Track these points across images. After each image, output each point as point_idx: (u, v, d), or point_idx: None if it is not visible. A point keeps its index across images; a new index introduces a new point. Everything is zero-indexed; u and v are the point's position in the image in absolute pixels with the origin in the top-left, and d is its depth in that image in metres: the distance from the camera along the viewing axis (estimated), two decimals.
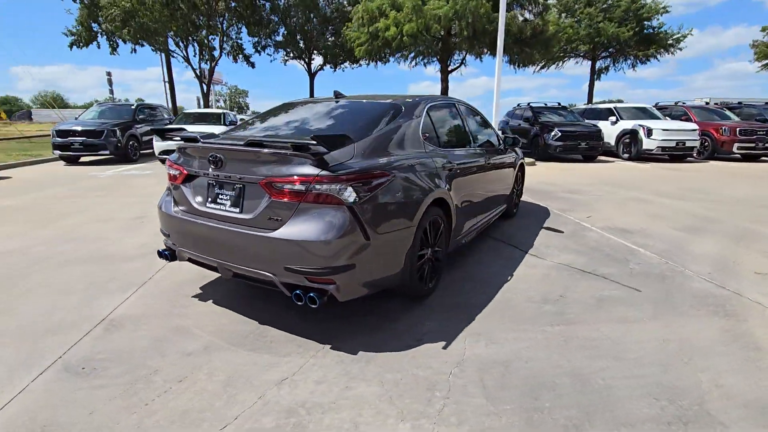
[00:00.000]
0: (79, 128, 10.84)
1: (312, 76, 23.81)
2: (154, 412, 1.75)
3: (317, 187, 2.06)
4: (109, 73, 22.84)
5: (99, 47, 17.51)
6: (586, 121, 13.34)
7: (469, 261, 3.65)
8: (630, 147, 12.36)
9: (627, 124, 12.51)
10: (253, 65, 21.89)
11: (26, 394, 1.86)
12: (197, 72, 19.87)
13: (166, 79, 20.87)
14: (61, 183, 7.77)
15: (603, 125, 13.17)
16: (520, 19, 13.29)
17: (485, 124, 4.38)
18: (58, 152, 10.81)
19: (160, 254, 2.70)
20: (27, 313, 2.61)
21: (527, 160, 11.16)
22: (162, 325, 2.47)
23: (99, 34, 16.98)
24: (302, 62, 23.32)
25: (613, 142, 12.93)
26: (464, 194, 3.32)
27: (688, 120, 13.32)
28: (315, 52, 22.26)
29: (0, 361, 2.10)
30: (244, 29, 19.50)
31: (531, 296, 2.96)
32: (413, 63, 15.89)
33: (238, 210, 2.28)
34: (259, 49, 21.38)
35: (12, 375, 1.99)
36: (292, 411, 1.77)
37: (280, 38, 21.31)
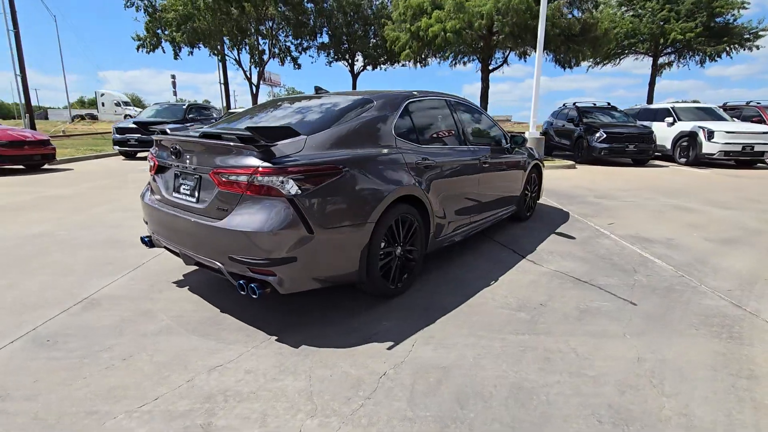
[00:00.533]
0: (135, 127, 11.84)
1: (355, 76, 24.25)
2: (87, 386, 1.86)
3: (259, 178, 2.08)
4: (173, 76, 24.77)
5: (164, 51, 19.06)
6: (639, 122, 12.39)
7: (456, 263, 3.51)
8: (688, 151, 11.29)
9: (685, 126, 11.43)
10: (299, 66, 22.71)
11: None
12: (247, 74, 20.97)
13: (221, 80, 22.28)
14: (112, 176, 8.51)
15: (658, 127, 12.17)
16: (568, 14, 12.57)
17: (486, 122, 4.20)
18: (117, 148, 11.86)
19: (142, 240, 2.87)
20: (26, 288, 2.88)
21: (566, 162, 10.63)
22: (132, 307, 2.62)
23: (163, 40, 18.44)
24: (346, 63, 23.83)
25: (669, 146, 11.89)
26: (449, 193, 3.20)
27: (762, 122, 11.93)
28: (358, 53, 22.63)
29: None
30: (287, 32, 20.23)
31: (508, 303, 2.79)
32: (453, 63, 15.62)
33: (194, 200, 2.36)
34: (301, 51, 22.17)
35: None
36: (211, 397, 1.80)
37: (323, 40, 21.97)
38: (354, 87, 24.78)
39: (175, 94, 25.42)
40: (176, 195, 2.49)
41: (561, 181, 8.34)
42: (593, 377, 2.00)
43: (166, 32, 17.24)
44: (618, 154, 10.89)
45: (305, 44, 21.86)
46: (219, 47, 18.33)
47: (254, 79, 21.14)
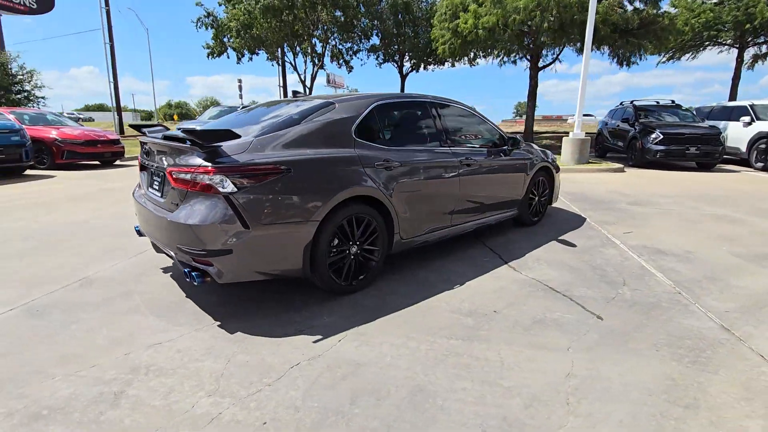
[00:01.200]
0: (197, 127, 12.94)
1: (403, 78, 24.36)
2: (48, 351, 2.17)
3: (200, 177, 2.27)
4: (239, 80, 26.56)
5: (228, 57, 20.66)
6: (709, 122, 11.15)
7: (431, 265, 3.48)
8: (766, 154, 9.96)
9: (764, 126, 10.09)
10: (351, 69, 23.35)
11: None
12: (301, 77, 21.99)
13: (280, 83, 23.56)
14: None
15: (734, 127, 10.89)
16: (624, 8, 11.53)
17: (478, 124, 4.11)
18: None
19: (135, 230, 3.23)
20: (43, 266, 3.37)
21: (613, 165, 9.86)
22: (118, 288, 2.96)
23: (229, 47, 19.98)
24: (395, 64, 23.98)
25: (744, 148, 10.58)
26: (420, 194, 3.20)
27: None
28: (407, 54, 22.64)
29: None
30: (340, 35, 20.81)
31: (461, 308, 2.74)
32: (500, 60, 15.01)
33: (160, 195, 2.63)
34: (351, 54, 22.68)
35: None
36: (136, 370, 2.02)
37: (374, 42, 22.28)
38: (402, 89, 24.94)
39: (240, 97, 27.28)
40: (150, 190, 2.79)
41: (597, 185, 7.79)
42: (507, 388, 1.93)
43: (231, 40, 18.68)
44: (677, 157, 9.89)
45: (354, 47, 22.42)
46: (276, 52, 19.42)
47: (308, 82, 22.10)
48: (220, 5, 18.62)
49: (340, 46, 22.08)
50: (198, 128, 2.41)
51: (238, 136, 2.39)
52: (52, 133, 9.19)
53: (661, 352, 2.26)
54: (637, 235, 4.46)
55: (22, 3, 19.88)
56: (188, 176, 2.31)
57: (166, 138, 2.54)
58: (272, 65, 21.45)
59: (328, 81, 40.54)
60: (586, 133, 10.55)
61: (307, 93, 23.04)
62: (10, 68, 14.18)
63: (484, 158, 3.84)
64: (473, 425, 1.69)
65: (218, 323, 2.47)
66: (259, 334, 2.36)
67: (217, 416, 1.72)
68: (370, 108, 3.04)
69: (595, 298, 2.90)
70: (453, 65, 16.71)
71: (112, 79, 24.15)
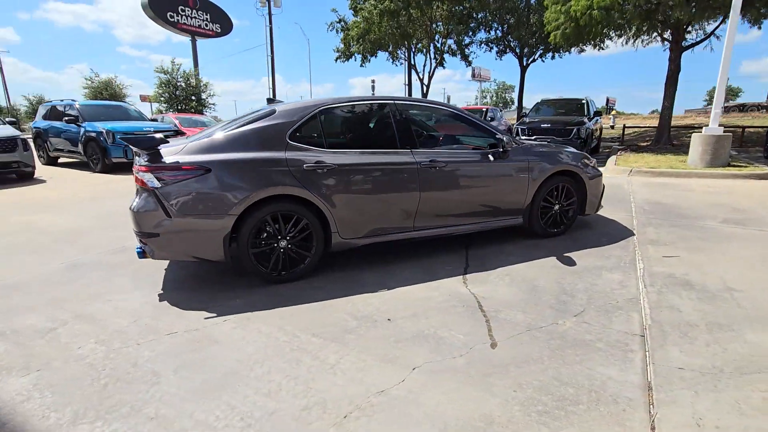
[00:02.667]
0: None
1: (524, 69, 22.30)
2: (61, 292, 3.05)
3: (139, 174, 2.86)
4: (373, 81, 28.55)
5: (355, 60, 22.41)
6: None
7: (381, 267, 3.47)
8: None
9: None
10: (470, 63, 22.55)
11: (41, 266, 3.54)
12: (419, 75, 22.28)
13: (406, 82, 24.45)
14: None
15: None
16: None
17: (457, 126, 3.86)
18: None
19: None
20: (98, 237, 4.51)
21: (753, 170, 7.54)
22: (129, 258, 3.83)
23: (355, 53, 21.66)
24: (515, 55, 22.14)
25: None
26: (360, 196, 3.27)
27: None
28: (527, 44, 20.63)
29: (58, 252, 3.93)
30: (457, 30, 20.25)
31: (360, 311, 2.75)
32: (634, 42, 12.48)
33: None
34: (462, 48, 21.74)
35: (51, 258, 3.75)
36: (79, 316, 2.70)
37: (494, 34, 20.96)
38: (522, 80, 22.98)
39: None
40: None
41: (706, 195, 6.19)
42: (308, 389, 1.98)
43: (353, 46, 20.25)
44: None
45: (467, 40, 21.55)
46: (396, 52, 20.20)
47: (426, 80, 22.41)
48: (350, 10, 20.34)
49: (450, 40, 21.51)
50: (157, 136, 3.00)
51: (167, 142, 2.91)
52: None
53: (518, 393, 1.94)
54: (683, 261, 3.54)
55: (210, 29, 25.26)
56: (137, 173, 2.92)
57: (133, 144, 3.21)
58: (395, 65, 22.39)
59: (473, 75, 39.63)
60: (742, 127, 8.31)
61: (424, 90, 23.47)
62: (191, 82, 18.43)
63: (459, 161, 3.61)
64: (241, 410, 1.83)
65: (160, 293, 3.06)
66: (176, 304, 2.86)
67: (84, 357, 2.24)
68: (311, 114, 3.22)
69: (519, 324, 2.56)
70: (582, 51, 14.70)
71: (270, 86, 28.73)
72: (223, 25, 26.27)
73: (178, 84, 17.96)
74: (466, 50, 21.93)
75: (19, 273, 3.47)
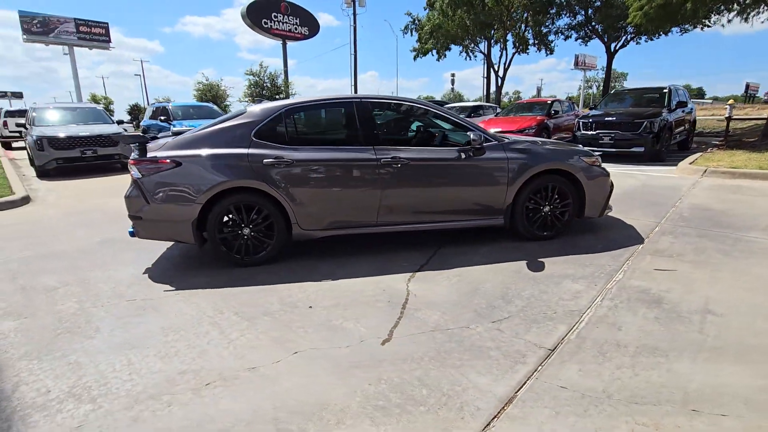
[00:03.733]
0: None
1: (611, 54, 19.63)
2: (98, 259, 3.79)
3: (129, 166, 3.39)
4: (452, 74, 28.09)
5: (433, 55, 22.23)
6: None
7: (340, 259, 3.61)
8: None
9: None
10: (551, 51, 20.69)
11: (83, 240, 4.35)
12: (494, 68, 21.16)
13: (484, 75, 23.53)
14: None
15: None
16: None
17: (429, 125, 3.80)
18: None
19: None
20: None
21: None
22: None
23: (432, 49, 21.51)
24: (602, 41, 19.65)
25: None
26: (318, 190, 3.46)
27: None
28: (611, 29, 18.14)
29: (103, 229, 4.77)
30: (535, 19, 18.74)
31: (293, 297, 2.95)
32: (744, 16, 10.22)
33: None
34: (542, 37, 19.90)
35: (95, 234, 4.57)
36: (80, 281, 3.33)
37: (579, 20, 18.86)
38: (608, 67, 20.32)
39: (452, 90, 28.77)
40: None
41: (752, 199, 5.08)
42: (168, 355, 2.26)
43: (426, 43, 20.13)
44: None
45: (544, 30, 19.71)
46: (469, 45, 19.52)
47: (500, 72, 21.26)
48: (425, 9, 20.30)
49: (529, 31, 20.01)
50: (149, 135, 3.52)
51: (148, 140, 3.40)
52: None
53: (371, 387, 1.99)
54: (675, 276, 3.09)
55: (299, 32, 27.12)
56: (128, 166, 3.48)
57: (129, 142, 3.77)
58: (468, 59, 21.69)
59: (576, 63, 36.37)
60: None
61: (499, 82, 22.31)
62: (276, 82, 20.13)
63: (426, 158, 3.58)
64: (134, 367, 2.17)
65: (149, 267, 3.60)
66: (152, 277, 3.35)
67: (59, 312, 2.80)
68: (276, 113, 3.48)
69: (428, 324, 2.54)
70: (684, 32, 12.70)
71: (352, 83, 29.93)
72: (311, 27, 28.00)
73: (265, 84, 19.83)
74: (547, 38, 20.32)
75: (66, 243, 4.34)
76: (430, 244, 3.93)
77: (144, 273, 3.46)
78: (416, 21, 21.47)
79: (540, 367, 2.11)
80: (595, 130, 9.29)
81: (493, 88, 22.28)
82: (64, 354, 2.32)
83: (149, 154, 3.33)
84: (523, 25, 19.62)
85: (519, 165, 3.72)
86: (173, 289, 3.14)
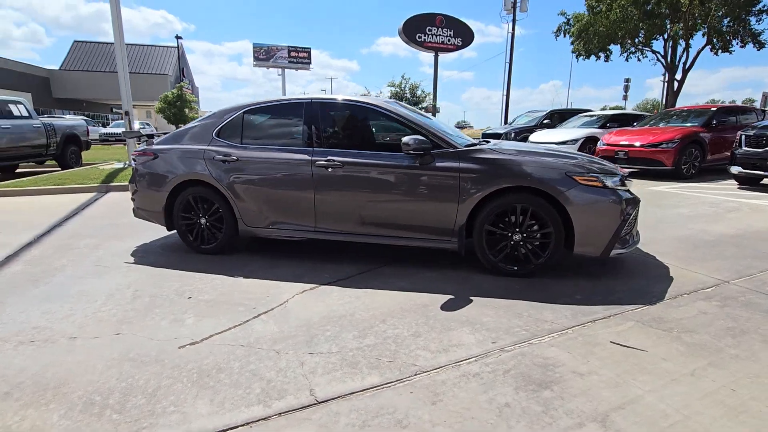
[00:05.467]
0: (501, 131, 14.04)
1: None
2: (102, 236, 4.76)
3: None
4: (627, 80, 23.88)
5: (594, 57, 19.25)
6: None
7: (279, 260, 3.55)
8: None
9: None
10: (762, 46, 14.90)
11: (132, 218, 5.40)
12: (669, 68, 16.59)
13: (665, 79, 19.08)
14: None
15: None
16: None
17: (380, 127, 3.43)
18: None
19: None
20: None
21: None
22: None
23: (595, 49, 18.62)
24: None
25: None
26: (257, 188, 3.51)
27: None
28: None
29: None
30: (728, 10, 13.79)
31: (188, 286, 3.07)
32: None
33: None
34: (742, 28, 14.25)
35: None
36: (96, 245, 4.18)
37: None
38: None
39: (624, 98, 24.46)
40: None
41: None
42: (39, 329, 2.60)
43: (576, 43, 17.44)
44: None
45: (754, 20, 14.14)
46: (629, 43, 15.89)
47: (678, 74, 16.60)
48: (587, 8, 17.70)
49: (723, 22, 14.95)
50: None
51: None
52: None
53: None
54: (629, 359, 2.06)
55: (452, 43, 27.35)
56: None
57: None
58: (629, 59, 17.74)
59: None
60: None
61: (676, 86, 17.50)
62: (417, 93, 20.81)
63: (365, 164, 3.23)
64: (53, 316, 2.65)
65: (144, 242, 4.25)
66: (133, 251, 3.94)
67: (52, 264, 3.58)
68: (235, 114, 3.66)
69: (257, 335, 2.32)
70: None
71: (504, 93, 28.56)
72: (465, 38, 27.88)
73: (405, 95, 20.71)
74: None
75: (120, 219, 5.41)
76: (376, 260, 3.54)
77: (135, 246, 4.12)
78: (569, 23, 19.02)
79: (276, 416, 1.71)
80: (764, 147, 6.67)
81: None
82: (18, 297, 2.91)
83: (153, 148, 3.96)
84: (719, 14, 15.11)
85: (474, 178, 3.02)
86: (132, 261, 3.65)
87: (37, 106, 33.33)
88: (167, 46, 36.00)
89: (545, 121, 13.62)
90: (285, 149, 3.49)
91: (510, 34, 27.97)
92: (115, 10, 10.10)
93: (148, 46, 42.59)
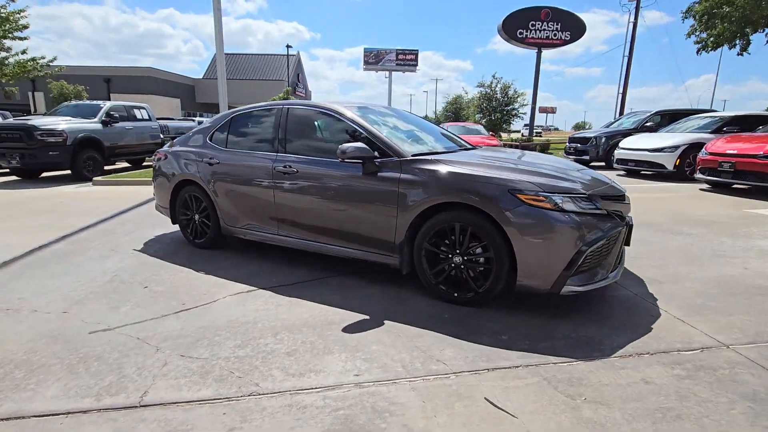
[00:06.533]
0: (590, 135, 12.51)
1: None
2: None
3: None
4: None
5: (729, 48, 15.60)
6: None
7: (247, 261, 3.69)
8: None
9: None
10: None
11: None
12: None
13: None
14: None
15: None
16: None
17: (328, 133, 3.44)
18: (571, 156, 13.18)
19: None
20: None
21: None
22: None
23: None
24: None
25: None
26: (231, 190, 3.73)
27: None
28: None
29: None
30: None
31: (157, 277, 3.39)
32: None
33: None
34: None
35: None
36: (105, 231, 4.87)
37: None
38: None
39: None
40: None
41: None
42: None
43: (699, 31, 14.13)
44: None
45: None
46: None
47: None
48: None
49: None
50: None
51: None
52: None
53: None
54: (486, 420, 1.68)
55: (558, 38, 25.00)
56: None
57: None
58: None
59: None
60: None
61: None
62: (509, 93, 19.40)
63: (315, 172, 3.19)
64: (47, 290, 3.24)
65: (164, 232, 4.80)
66: (151, 239, 4.50)
67: (69, 236, 4.28)
68: (226, 119, 3.91)
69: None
70: None
71: (621, 91, 25.30)
72: (574, 32, 25.24)
73: (494, 96, 19.55)
74: None
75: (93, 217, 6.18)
76: (334, 269, 3.47)
77: (155, 236, 4.68)
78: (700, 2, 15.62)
79: (95, 411, 1.81)
80: None
81: None
82: (18, 274, 3.64)
83: None
84: None
85: (412, 191, 2.77)
86: (138, 249, 4.17)
87: (184, 110, 40.09)
88: (286, 55, 39.86)
89: (648, 124, 11.68)
90: (256, 154, 3.62)
91: (632, 23, 24.72)
92: (218, 27, 11.64)
93: (269, 55, 47.73)
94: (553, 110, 65.49)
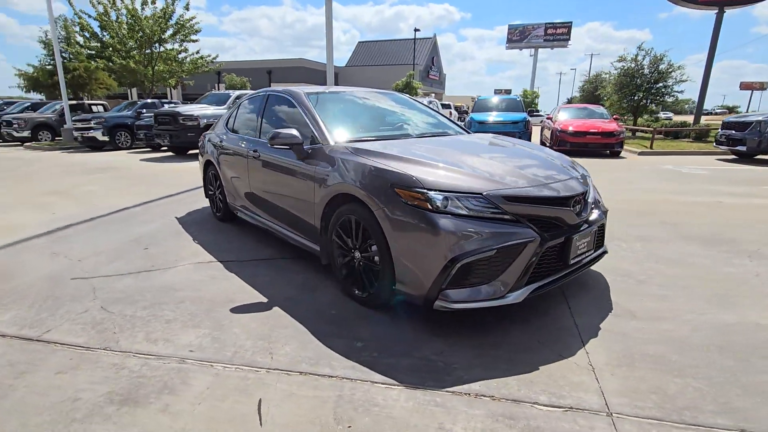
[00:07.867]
0: (751, 119, 9.61)
1: None
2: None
3: None
4: None
5: None
6: None
7: (245, 244, 4.05)
8: None
9: None
10: None
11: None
12: None
13: None
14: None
15: None
16: None
17: (294, 119, 3.29)
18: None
19: None
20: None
21: None
22: None
23: None
24: None
25: None
26: (229, 172, 4.13)
27: None
28: None
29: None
30: None
31: (144, 240, 4.00)
32: None
33: None
34: None
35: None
36: (118, 210, 5.79)
37: None
38: None
39: None
40: None
41: None
42: None
43: None
44: None
45: None
46: None
47: None
48: None
49: None
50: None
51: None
52: (554, 125, 11.39)
53: None
54: None
55: None
56: None
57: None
58: None
59: None
60: None
61: None
62: (660, 67, 15.60)
63: (272, 156, 3.30)
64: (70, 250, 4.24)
65: (189, 211, 5.55)
66: (189, 213, 5.28)
67: (92, 207, 5.30)
68: (235, 106, 4.28)
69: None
70: None
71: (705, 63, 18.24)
72: None
73: (641, 71, 15.98)
74: None
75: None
76: (295, 251, 3.56)
77: (199, 208, 5.45)
78: None
79: None
80: None
81: None
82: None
83: None
84: None
85: (323, 180, 2.68)
86: (176, 217, 4.94)
87: None
88: (413, 39, 39.93)
89: None
90: (245, 138, 3.91)
91: None
92: (329, 17, 12.51)
93: (403, 39, 48.72)
94: (762, 86, 48.66)
